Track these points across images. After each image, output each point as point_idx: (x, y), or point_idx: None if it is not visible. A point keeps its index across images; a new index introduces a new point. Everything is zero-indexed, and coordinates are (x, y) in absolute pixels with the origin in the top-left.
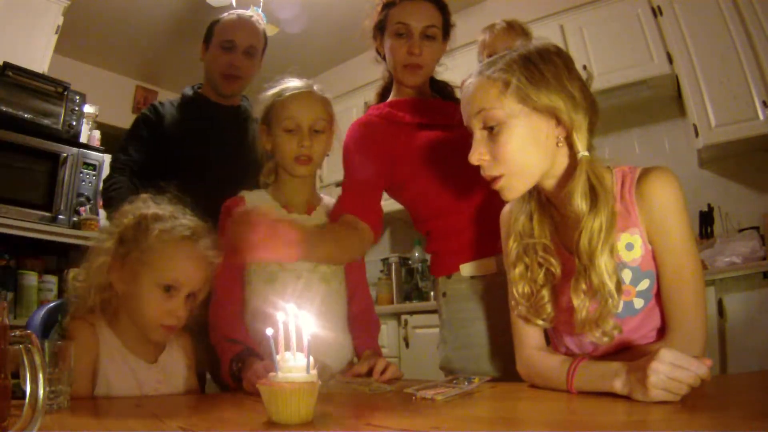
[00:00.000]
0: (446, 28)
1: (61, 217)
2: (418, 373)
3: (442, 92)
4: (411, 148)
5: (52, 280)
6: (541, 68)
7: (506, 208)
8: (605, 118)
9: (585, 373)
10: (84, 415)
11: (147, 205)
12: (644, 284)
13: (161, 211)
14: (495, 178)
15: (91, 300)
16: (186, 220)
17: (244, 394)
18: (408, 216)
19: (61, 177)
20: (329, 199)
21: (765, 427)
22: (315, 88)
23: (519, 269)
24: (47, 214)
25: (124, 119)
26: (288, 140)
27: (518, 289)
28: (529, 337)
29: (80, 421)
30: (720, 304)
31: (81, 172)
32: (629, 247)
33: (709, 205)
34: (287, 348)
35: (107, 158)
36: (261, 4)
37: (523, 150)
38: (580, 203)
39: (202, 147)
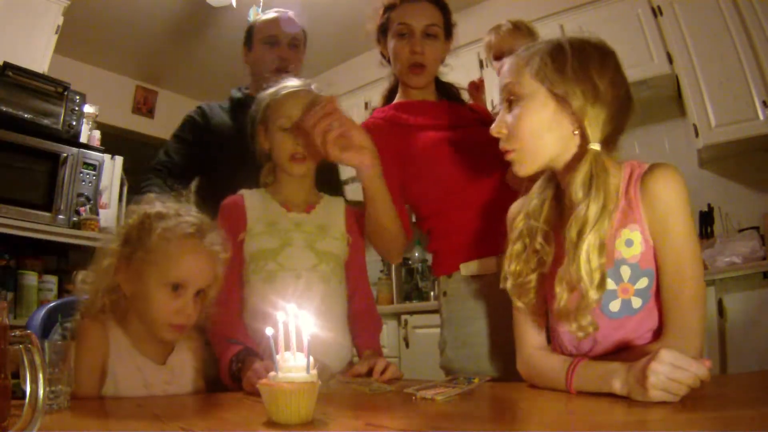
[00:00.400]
0: (448, 27)
1: (61, 217)
2: (418, 373)
3: (448, 93)
4: (415, 149)
5: (52, 280)
6: (568, 54)
7: (514, 207)
8: None
9: (584, 374)
10: (84, 415)
11: (151, 204)
12: (643, 282)
13: (165, 209)
14: (508, 152)
15: (100, 302)
16: (190, 216)
17: (244, 394)
18: None
19: (61, 177)
20: (329, 198)
21: (765, 427)
22: (312, 87)
23: (517, 246)
24: (47, 214)
25: (124, 119)
26: (284, 139)
27: (511, 265)
28: (531, 337)
29: (80, 421)
30: (720, 304)
31: (81, 172)
32: (629, 243)
33: (709, 205)
34: (287, 348)
35: (107, 158)
36: (261, 4)
37: (536, 129)
38: (577, 192)
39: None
